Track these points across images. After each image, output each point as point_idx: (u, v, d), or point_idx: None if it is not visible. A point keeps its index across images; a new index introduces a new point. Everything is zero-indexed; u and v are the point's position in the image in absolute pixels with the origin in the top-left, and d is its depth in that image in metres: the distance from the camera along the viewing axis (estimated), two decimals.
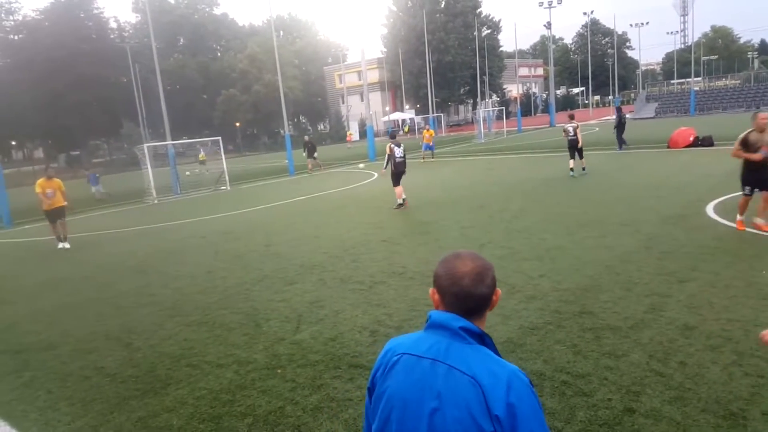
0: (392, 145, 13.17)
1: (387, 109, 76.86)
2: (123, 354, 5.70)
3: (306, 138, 30.07)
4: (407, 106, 74.89)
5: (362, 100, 45.60)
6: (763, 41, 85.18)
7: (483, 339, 1.49)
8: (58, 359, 5.75)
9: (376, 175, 21.97)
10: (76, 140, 65.88)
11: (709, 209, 9.77)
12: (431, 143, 28.12)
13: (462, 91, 76.94)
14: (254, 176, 27.45)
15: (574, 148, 16.09)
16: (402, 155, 13.13)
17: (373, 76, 73.52)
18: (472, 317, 1.49)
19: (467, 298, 1.48)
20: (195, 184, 25.45)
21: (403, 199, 13.20)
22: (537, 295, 6.18)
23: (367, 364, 4.80)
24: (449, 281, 1.50)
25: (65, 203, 12.94)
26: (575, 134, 15.99)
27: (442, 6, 74.15)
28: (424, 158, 27.27)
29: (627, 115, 27.31)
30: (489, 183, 16.93)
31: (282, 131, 57.67)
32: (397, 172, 13.14)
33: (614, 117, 23.06)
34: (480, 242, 9.06)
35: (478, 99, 60.76)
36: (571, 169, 16.14)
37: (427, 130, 29.22)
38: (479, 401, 1.36)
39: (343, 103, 78.86)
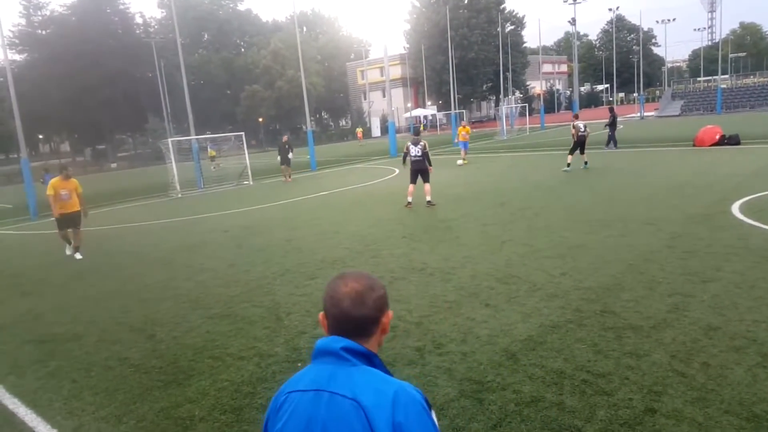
0: (409, 144, 13.11)
1: (409, 105, 76.70)
2: (146, 345, 5.82)
3: (284, 138, 24.81)
4: (429, 103, 74.62)
5: (384, 96, 45.59)
6: None
7: (371, 360, 1.40)
8: (83, 349, 5.89)
9: (397, 171, 21.98)
10: (102, 134, 67.14)
11: (735, 209, 9.58)
12: (467, 140, 24.84)
13: (484, 87, 76.38)
14: (277, 171, 27.67)
15: (582, 144, 17.07)
16: (418, 154, 12.81)
17: (396, 72, 73.41)
18: (358, 339, 1.40)
19: (346, 321, 1.41)
20: (218, 178, 25.75)
21: (408, 202, 13.03)
22: (558, 294, 6.14)
23: (386, 359, 4.82)
24: (330, 303, 1.43)
25: (81, 208, 10.85)
26: (586, 130, 17.22)
27: (466, 2, 73.65)
28: (465, 160, 23.67)
29: (650, 114, 27.37)
30: (511, 180, 16.81)
31: (304, 127, 58.00)
32: (413, 171, 13.01)
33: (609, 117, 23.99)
34: (501, 239, 9.02)
35: (501, 95, 60.33)
36: (568, 164, 16.86)
37: (464, 126, 25.72)
38: (362, 425, 1.26)
39: (365, 99, 78.93)
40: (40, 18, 64.51)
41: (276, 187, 21.62)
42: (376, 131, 69.84)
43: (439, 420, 3.77)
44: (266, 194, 19.33)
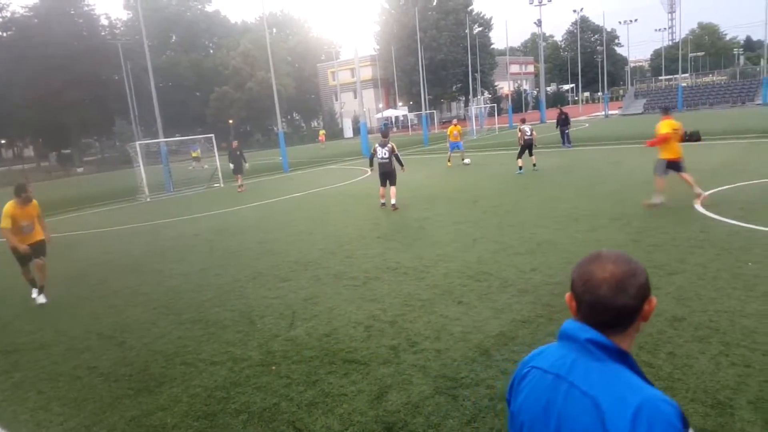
0: (376, 146, 13.09)
1: (380, 106, 76.81)
2: (116, 353, 5.70)
3: (233, 143, 22.08)
4: (400, 103, 74.86)
5: (355, 98, 45.53)
6: (748, 38, 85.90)
7: (621, 356, 1.27)
8: (50, 359, 5.75)
9: (369, 171, 22.02)
10: (67, 138, 65.42)
11: (697, 203, 9.87)
12: (460, 140, 22.31)
13: (454, 88, 76.99)
14: (248, 173, 27.38)
15: (530, 147, 17.16)
16: (385, 156, 12.71)
17: (366, 73, 73.43)
18: (610, 331, 1.28)
19: (603, 310, 1.28)
20: (188, 181, 25.36)
21: (382, 203, 12.99)
22: (529, 289, 6.24)
23: (361, 359, 4.84)
24: (583, 288, 1.31)
25: (45, 235, 8.29)
26: (532, 134, 17.23)
27: (434, 4, 74.14)
28: (462, 158, 21.79)
29: (615, 112, 28.03)
30: (482, 178, 17.00)
31: (275, 128, 57.48)
32: (381, 173, 12.90)
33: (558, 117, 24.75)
34: (473, 237, 9.11)
35: (470, 96, 60.92)
36: (520, 167, 16.91)
37: (455, 125, 22.79)
38: (596, 429, 1.17)
39: (336, 100, 78.79)
40: (0, 20, 62.55)
41: (249, 189, 21.40)
42: (348, 132, 69.77)
43: (413, 418, 3.82)
44: (238, 197, 19.13)
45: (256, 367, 4.94)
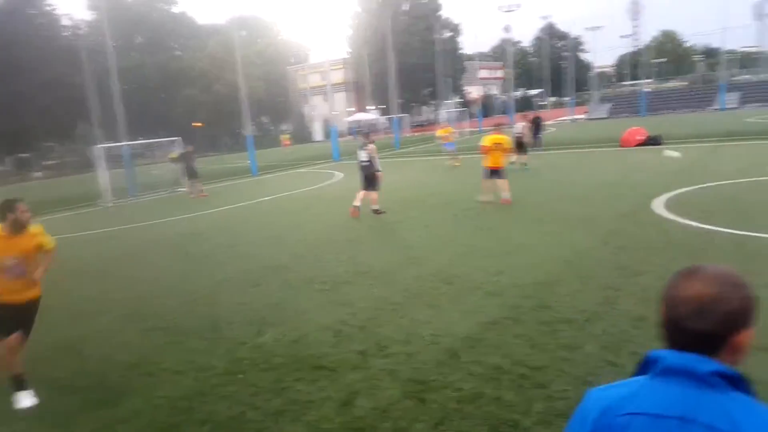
0: (358, 149, 12.90)
1: (351, 109, 76.75)
2: (75, 364, 5.52)
3: (188, 149, 21.76)
4: (372, 107, 74.97)
5: (326, 101, 45.37)
6: (707, 45, 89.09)
7: (738, 383, 1.12)
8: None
9: (342, 175, 21.94)
10: (26, 142, 63.39)
11: (659, 205, 10.12)
12: (452, 141, 21.94)
13: (425, 92, 77.49)
14: (216, 177, 26.97)
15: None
16: (365, 159, 12.44)
17: (338, 76, 73.28)
18: (705, 354, 1.14)
19: (681, 332, 1.16)
20: (152, 186, 24.84)
21: (356, 206, 12.21)
22: (497, 291, 6.29)
23: (330, 364, 4.80)
24: (667, 302, 1.20)
25: (37, 287, 5.09)
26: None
27: (406, 9, 74.57)
28: (455, 162, 21.36)
29: (581, 117, 28.61)
30: (454, 181, 17.11)
31: (243, 131, 56.92)
32: (362, 176, 12.74)
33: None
34: (443, 240, 9.15)
35: (441, 100, 61.41)
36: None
37: (444, 128, 22.63)
38: None
39: (306, 103, 78.43)
40: None
41: (213, 193, 21.09)
42: (318, 135, 69.48)
43: (381, 422, 3.80)
44: (205, 201, 18.82)
45: (221, 376, 4.84)
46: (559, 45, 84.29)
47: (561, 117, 57.06)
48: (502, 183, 12.13)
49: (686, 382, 1.12)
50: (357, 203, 12.45)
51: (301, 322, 5.96)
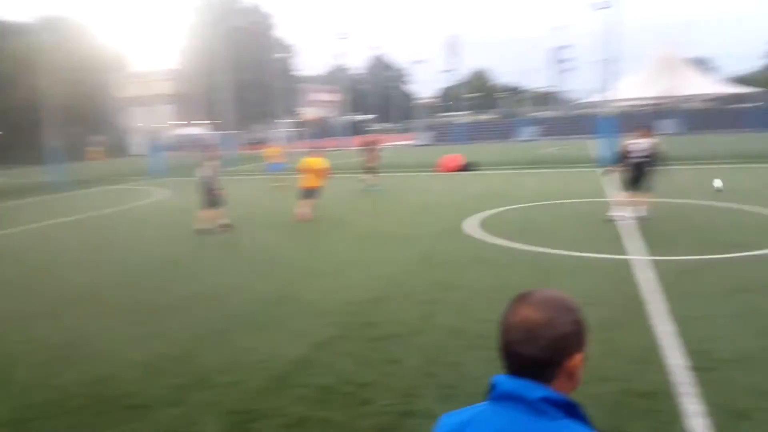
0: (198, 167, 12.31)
1: (179, 123, 72.53)
2: None
3: None
4: (202, 122, 71.67)
5: (149, 113, 42.26)
6: (511, 84, 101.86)
7: (570, 410, 1.14)
8: None
9: (163, 192, 20.48)
10: None
11: (472, 225, 11.12)
12: (280, 162, 21.48)
13: (258, 110, 76.37)
14: (12, 193, 23.40)
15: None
16: (205, 176, 12.03)
17: (165, 87, 68.93)
18: (540, 381, 1.15)
19: (514, 357, 1.17)
20: None
21: (203, 228, 11.68)
22: (328, 310, 6.34)
23: (142, 403, 4.38)
24: (502, 328, 1.20)
25: None
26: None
27: (240, 25, 73.04)
28: (279, 182, 20.49)
29: (407, 143, 30.38)
30: (285, 201, 16.96)
31: (49, 143, 50.47)
32: (203, 194, 12.04)
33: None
34: (272, 261, 9.00)
35: (275, 119, 61.02)
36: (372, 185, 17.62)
37: (272, 147, 22.34)
38: None
39: (126, 114, 72.22)
40: None
41: (7, 210, 18.26)
42: (139, 149, 64.32)
43: None
44: None
45: (6, 427, 4.15)
46: (387, 74, 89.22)
47: (389, 143, 60.19)
48: (309, 203, 12.74)
49: (518, 407, 1.12)
50: (204, 225, 11.79)
51: (106, 358, 5.35)
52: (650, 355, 4.73)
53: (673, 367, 4.47)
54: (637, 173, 10.68)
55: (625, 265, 7.60)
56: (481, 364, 4.73)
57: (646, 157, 10.71)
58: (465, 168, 23.72)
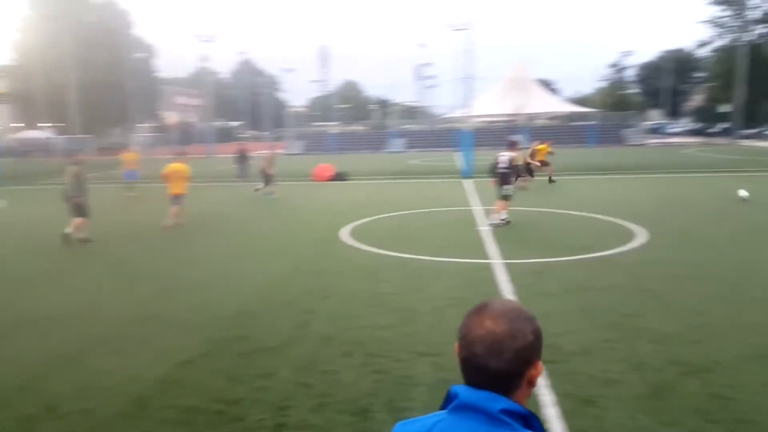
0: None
1: (17, 125, 64.73)
2: None
3: None
4: (46, 124, 64.56)
5: None
6: (380, 97, 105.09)
7: (528, 421, 1.15)
8: None
9: (3, 202, 18.14)
10: None
11: (344, 234, 11.28)
12: (134, 169, 19.95)
13: (114, 113, 70.54)
14: None
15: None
16: (68, 183, 11.15)
17: None
18: (501, 393, 1.15)
19: (476, 371, 1.16)
20: None
21: (67, 232, 10.82)
22: (195, 327, 6.05)
23: None
24: (461, 342, 1.19)
25: None
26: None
27: (90, 20, 67.02)
28: (131, 192, 19.31)
29: (278, 152, 30.17)
30: (150, 211, 15.86)
31: None
32: (66, 202, 11.18)
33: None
34: (138, 277, 8.38)
35: (133, 123, 56.85)
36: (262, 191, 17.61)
37: (130, 152, 20.76)
38: None
39: None
40: None
41: None
42: None
43: None
44: None
45: None
46: (257, 81, 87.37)
47: (260, 150, 58.92)
48: (176, 210, 12.70)
49: (478, 418, 1.13)
50: (70, 231, 10.83)
51: None
52: None
53: None
54: (503, 182, 11.70)
55: (486, 268, 8.17)
56: (355, 370, 4.82)
57: (508, 168, 11.73)
58: (337, 178, 23.96)
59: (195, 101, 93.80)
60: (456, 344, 1.22)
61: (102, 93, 65.56)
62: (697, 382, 4.44)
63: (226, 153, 27.24)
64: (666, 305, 6.35)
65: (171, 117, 75.34)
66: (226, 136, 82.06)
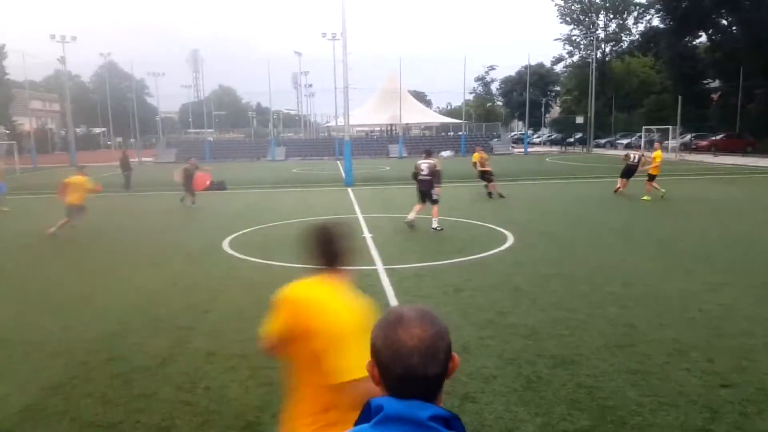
0: None
1: None
2: None
3: None
4: None
5: None
6: (259, 104, 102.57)
7: (449, 423, 1.15)
8: None
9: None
10: None
11: (225, 245, 10.96)
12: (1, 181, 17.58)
13: None
14: None
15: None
16: None
17: None
18: (429, 400, 1.16)
19: (412, 381, 1.14)
20: None
21: None
22: (61, 350, 5.58)
23: None
24: (391, 358, 1.15)
25: None
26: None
27: None
28: (6, 208, 17.00)
29: (149, 159, 28.66)
30: (9, 225, 14.22)
31: None
32: None
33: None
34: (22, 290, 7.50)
35: None
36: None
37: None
38: None
39: None
40: None
41: None
42: None
43: None
44: None
45: None
46: (122, 85, 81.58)
47: (131, 159, 55.01)
48: (63, 221, 12.30)
49: (407, 428, 1.12)
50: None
51: None
52: None
53: None
54: (425, 188, 12.19)
55: (370, 274, 8.38)
56: (241, 384, 4.75)
57: (429, 175, 12.20)
58: (215, 187, 23.15)
59: (53, 106, 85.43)
60: (371, 364, 1.20)
61: None
62: (565, 373, 4.80)
63: (90, 162, 25.03)
64: (534, 302, 6.93)
65: (25, 124, 67.87)
66: (89, 143, 75.68)
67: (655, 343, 5.45)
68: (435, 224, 12.08)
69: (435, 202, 12.30)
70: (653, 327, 5.91)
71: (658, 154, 17.20)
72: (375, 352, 1.19)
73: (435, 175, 12.40)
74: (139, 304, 7.15)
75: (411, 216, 12.34)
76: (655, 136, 35.18)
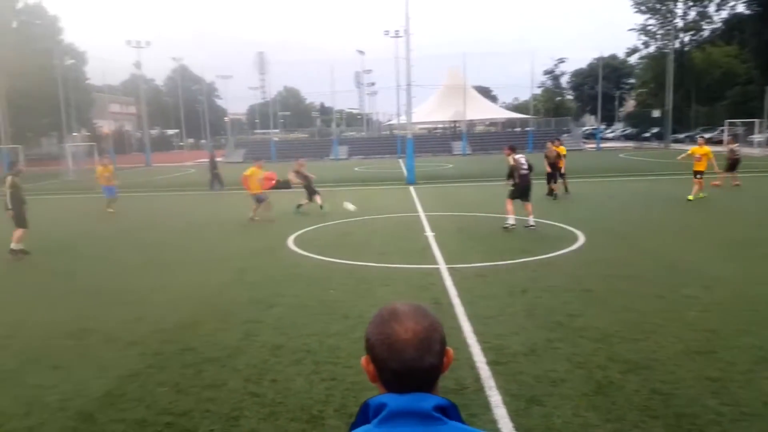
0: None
1: None
2: None
3: None
4: None
5: None
6: (322, 104, 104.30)
7: (455, 411, 1.18)
8: None
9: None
10: None
11: (290, 242, 11.21)
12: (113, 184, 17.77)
13: (44, 122, 66.88)
14: None
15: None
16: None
17: None
18: (427, 390, 1.18)
19: (411, 375, 1.16)
20: None
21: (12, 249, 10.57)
22: (137, 340, 5.87)
23: None
24: (387, 353, 1.16)
25: None
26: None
27: (14, 26, 63.48)
28: (112, 209, 17.28)
29: (219, 159, 29.64)
30: (81, 223, 15.20)
31: None
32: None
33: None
34: (75, 290, 8.03)
35: (65, 132, 54.10)
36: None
37: (105, 165, 18.25)
38: None
39: None
40: None
41: None
42: None
43: None
44: None
45: None
46: (193, 88, 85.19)
47: (199, 159, 57.43)
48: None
49: (408, 422, 1.13)
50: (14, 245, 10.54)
51: None
52: (457, 354, 5.27)
53: (477, 363, 5.02)
54: (527, 184, 11.73)
55: (432, 274, 8.33)
56: (306, 378, 4.83)
57: (529, 168, 11.78)
58: (280, 186, 23.73)
59: (130, 109, 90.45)
60: (367, 360, 1.21)
61: (31, 101, 62.26)
62: (638, 379, 4.57)
63: (163, 162, 26.40)
64: (605, 304, 6.64)
65: (105, 126, 72.30)
66: (163, 144, 79.52)
67: (737, 350, 5.10)
68: (531, 222, 11.72)
69: (529, 199, 11.83)
70: (736, 333, 5.53)
71: (701, 149, 15.74)
72: (370, 348, 1.20)
73: (531, 170, 11.88)
74: (208, 297, 7.43)
75: (511, 221, 11.66)
76: (740, 130, 33.01)
